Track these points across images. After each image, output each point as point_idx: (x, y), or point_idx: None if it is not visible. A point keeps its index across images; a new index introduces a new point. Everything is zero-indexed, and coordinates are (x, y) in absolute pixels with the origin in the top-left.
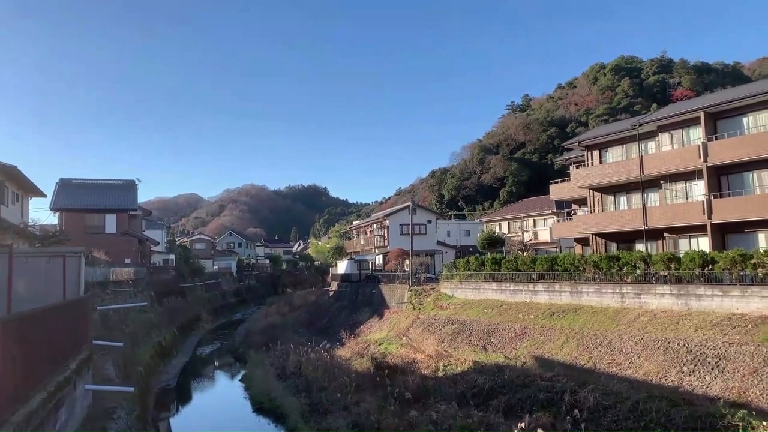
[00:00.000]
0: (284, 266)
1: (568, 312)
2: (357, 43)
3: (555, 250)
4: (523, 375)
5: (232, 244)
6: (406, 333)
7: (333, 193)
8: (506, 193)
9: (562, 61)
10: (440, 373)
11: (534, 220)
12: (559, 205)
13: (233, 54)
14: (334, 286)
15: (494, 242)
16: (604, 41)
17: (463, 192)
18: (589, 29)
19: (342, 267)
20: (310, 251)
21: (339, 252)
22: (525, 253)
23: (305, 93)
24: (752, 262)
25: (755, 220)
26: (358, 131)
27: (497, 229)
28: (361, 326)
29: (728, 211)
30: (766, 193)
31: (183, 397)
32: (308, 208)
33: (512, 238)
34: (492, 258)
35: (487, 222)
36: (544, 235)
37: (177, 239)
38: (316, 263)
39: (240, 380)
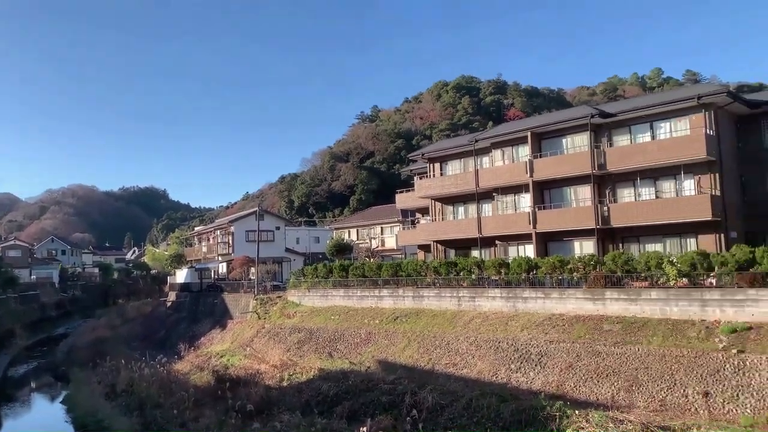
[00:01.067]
0: (116, 275)
1: (411, 316)
2: (201, 35)
3: (400, 256)
4: (367, 379)
5: (54, 252)
6: (250, 343)
7: (173, 197)
8: (356, 201)
9: (409, 76)
10: (285, 383)
11: (381, 227)
12: (405, 213)
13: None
14: (172, 296)
15: (343, 249)
16: (447, 60)
17: (313, 198)
18: (434, 46)
19: (181, 276)
20: (146, 259)
21: (178, 260)
22: (372, 260)
23: (142, 89)
24: (569, 267)
25: (572, 230)
26: (200, 130)
27: (346, 236)
28: (202, 338)
29: (549, 221)
30: (580, 206)
31: None
32: (145, 212)
33: (360, 245)
34: (340, 265)
35: (336, 229)
36: (390, 242)
37: None
38: (153, 272)
39: (62, 402)
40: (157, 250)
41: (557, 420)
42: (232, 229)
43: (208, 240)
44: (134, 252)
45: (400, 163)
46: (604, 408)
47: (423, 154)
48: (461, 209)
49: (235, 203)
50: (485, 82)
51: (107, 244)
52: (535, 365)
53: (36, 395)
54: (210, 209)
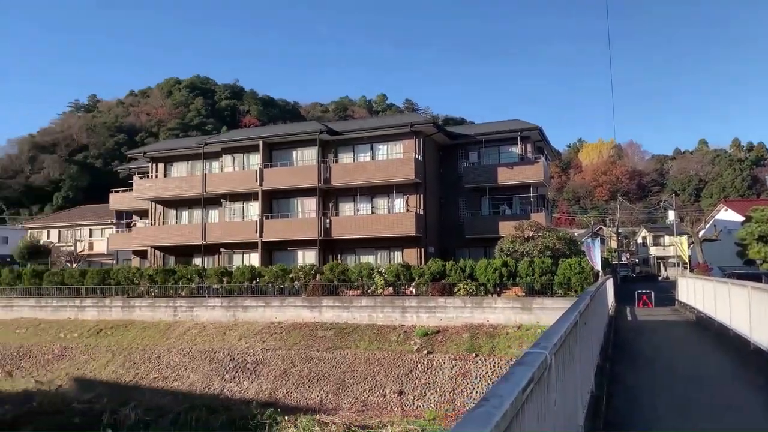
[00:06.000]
0: None
1: (118, 328)
2: None
3: (112, 262)
4: (57, 399)
5: None
6: None
7: None
8: (61, 198)
9: (136, 67)
10: None
11: (90, 229)
12: (120, 215)
13: None
14: None
15: (38, 252)
16: (182, 56)
17: (4, 192)
18: (169, 39)
19: None
20: None
21: None
22: (75, 265)
23: None
24: (291, 276)
25: (297, 240)
26: None
27: (45, 238)
28: None
29: (276, 231)
30: (306, 217)
31: None
32: None
33: (62, 248)
34: (32, 270)
35: (32, 229)
36: (100, 246)
37: None
38: None
39: None
40: None
41: (267, 427)
42: None
43: None
44: None
45: (120, 160)
46: (313, 412)
47: (145, 153)
48: (185, 214)
49: None
50: (221, 86)
51: None
52: (250, 374)
53: None
54: None
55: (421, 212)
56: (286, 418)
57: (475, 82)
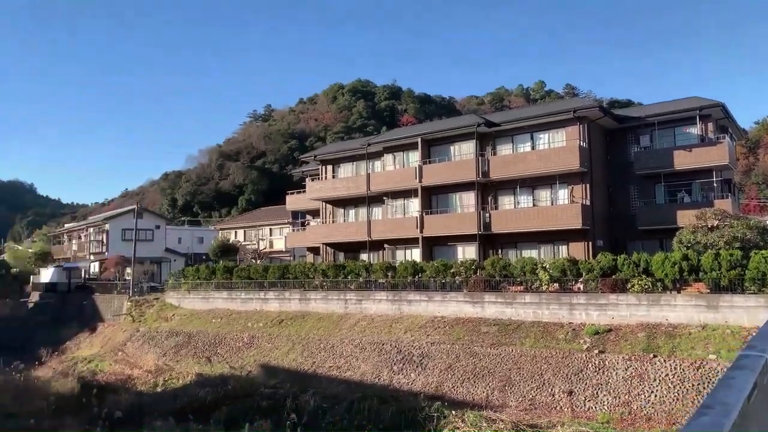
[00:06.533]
0: None
1: (297, 319)
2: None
3: (289, 258)
4: (247, 384)
5: None
6: (122, 348)
7: (42, 191)
8: (245, 201)
9: (305, 76)
10: (159, 389)
11: (270, 229)
12: (295, 215)
13: None
14: (35, 296)
15: (228, 250)
16: (344, 63)
17: (199, 197)
18: (332, 48)
19: (47, 275)
20: (6, 257)
21: (44, 258)
22: (259, 262)
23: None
24: (452, 271)
25: (456, 235)
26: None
27: (233, 237)
28: (68, 342)
29: (435, 226)
30: (464, 212)
31: None
32: (7, 208)
33: (247, 247)
34: (224, 266)
35: (222, 229)
36: (279, 244)
37: None
38: (14, 270)
39: None
40: (20, 248)
41: (435, 420)
42: (107, 227)
43: (80, 238)
44: None
45: (293, 164)
46: (479, 408)
47: (315, 156)
48: (352, 212)
49: (113, 200)
50: (380, 87)
51: None
52: (417, 366)
53: None
54: (84, 206)
55: (588, 203)
56: (453, 412)
57: (642, 63)
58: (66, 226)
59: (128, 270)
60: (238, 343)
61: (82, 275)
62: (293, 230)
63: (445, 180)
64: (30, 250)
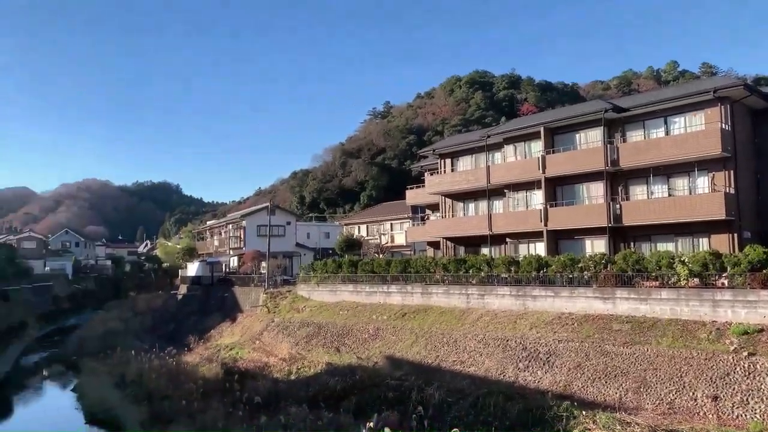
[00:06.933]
0: (128, 268)
1: (419, 312)
2: (210, 32)
3: (410, 253)
4: (374, 375)
5: (68, 244)
6: (259, 337)
7: (186, 191)
8: (366, 197)
9: (422, 71)
10: (293, 377)
11: (391, 223)
12: (415, 209)
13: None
14: (183, 289)
15: (352, 245)
16: (460, 54)
17: (324, 194)
18: (449, 39)
19: (192, 269)
20: (158, 252)
21: (190, 253)
22: (381, 256)
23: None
24: (579, 266)
25: (583, 228)
26: (212, 126)
27: (356, 232)
28: (212, 331)
29: (561, 219)
30: (592, 204)
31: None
32: (158, 207)
33: (370, 241)
34: (349, 260)
35: (346, 225)
36: (400, 239)
37: (1, 237)
38: (165, 265)
39: (72, 390)
40: (169, 244)
41: (564, 420)
42: (244, 223)
43: (220, 234)
44: (146, 245)
45: (411, 159)
46: (612, 409)
47: (434, 150)
48: (471, 206)
49: (248, 198)
50: (498, 77)
51: (120, 238)
52: (543, 364)
53: (47, 383)
54: (223, 204)
55: (732, 191)
56: (584, 412)
57: None
58: (208, 223)
59: (263, 264)
60: (363, 334)
61: (223, 269)
62: (413, 225)
63: (570, 170)
64: (178, 246)
